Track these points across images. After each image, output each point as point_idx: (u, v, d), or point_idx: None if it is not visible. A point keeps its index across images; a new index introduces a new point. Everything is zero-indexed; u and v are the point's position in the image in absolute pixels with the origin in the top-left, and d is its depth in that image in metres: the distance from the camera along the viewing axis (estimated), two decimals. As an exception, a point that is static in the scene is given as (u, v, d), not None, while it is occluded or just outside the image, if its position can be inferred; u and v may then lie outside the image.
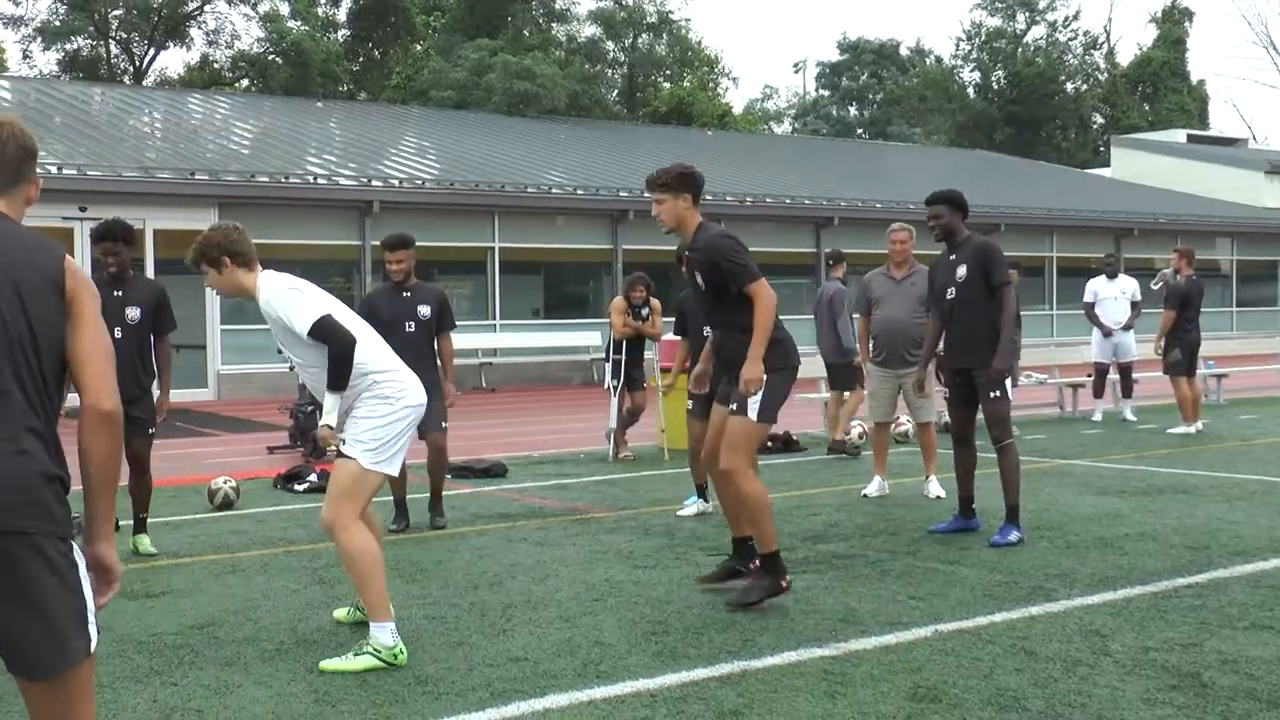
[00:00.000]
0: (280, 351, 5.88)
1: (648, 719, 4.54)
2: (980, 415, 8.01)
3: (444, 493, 8.93)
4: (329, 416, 5.53)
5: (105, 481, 2.91)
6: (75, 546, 2.87)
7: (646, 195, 6.52)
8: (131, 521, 7.95)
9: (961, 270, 7.91)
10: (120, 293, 7.68)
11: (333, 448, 5.66)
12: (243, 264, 5.68)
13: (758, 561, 6.40)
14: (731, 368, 6.34)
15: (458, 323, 9.59)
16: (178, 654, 5.52)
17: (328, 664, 5.29)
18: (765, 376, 6.16)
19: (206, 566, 7.49)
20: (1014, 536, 7.73)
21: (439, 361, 8.71)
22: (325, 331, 5.47)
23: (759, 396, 6.18)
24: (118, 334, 7.49)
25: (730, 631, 5.75)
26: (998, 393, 7.84)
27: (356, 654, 5.30)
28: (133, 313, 7.73)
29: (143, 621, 6.10)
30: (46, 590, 2.77)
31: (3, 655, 2.81)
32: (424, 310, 8.57)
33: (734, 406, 6.27)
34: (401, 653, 5.31)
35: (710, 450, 6.61)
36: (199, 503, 9.82)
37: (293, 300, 5.54)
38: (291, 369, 10.78)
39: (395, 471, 5.76)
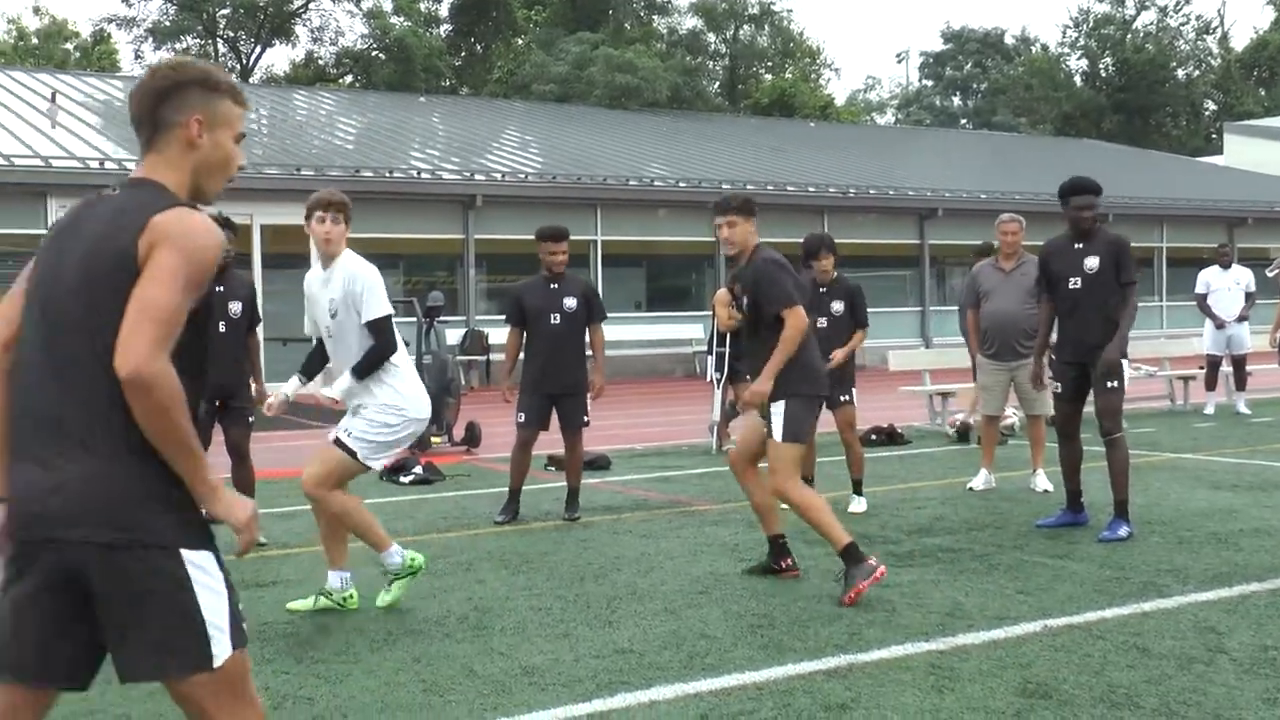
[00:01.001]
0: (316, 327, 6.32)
1: (754, 712, 4.54)
2: (1090, 408, 7.88)
3: (552, 485, 9.03)
4: (335, 391, 6.15)
5: (166, 446, 2.67)
6: (188, 557, 2.74)
7: (716, 220, 6.85)
8: None
9: (1092, 261, 7.72)
10: (222, 288, 7.78)
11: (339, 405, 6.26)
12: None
13: (787, 561, 6.76)
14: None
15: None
16: (288, 643, 5.63)
17: (382, 601, 6.21)
18: (783, 399, 6.41)
19: (315, 557, 7.57)
20: (1123, 532, 7.60)
21: (590, 353, 8.91)
22: (384, 328, 6.05)
23: (781, 419, 6.40)
24: (221, 328, 7.72)
25: (836, 625, 5.72)
26: (1114, 383, 7.68)
27: (390, 584, 6.24)
28: (234, 307, 7.88)
29: (254, 611, 6.21)
30: (142, 600, 2.69)
31: (115, 659, 2.76)
32: (570, 302, 8.70)
33: (766, 428, 6.54)
34: (416, 559, 6.21)
35: (738, 454, 6.97)
36: (299, 494, 9.97)
37: (378, 287, 6.08)
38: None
39: (379, 467, 6.57)
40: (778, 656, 5.21)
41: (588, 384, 8.83)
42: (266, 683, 5.00)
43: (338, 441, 6.10)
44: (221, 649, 2.75)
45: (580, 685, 4.91)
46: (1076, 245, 7.82)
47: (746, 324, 6.75)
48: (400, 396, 6.10)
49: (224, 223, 7.93)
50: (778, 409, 6.42)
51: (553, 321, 8.62)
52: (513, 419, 8.80)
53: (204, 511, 2.77)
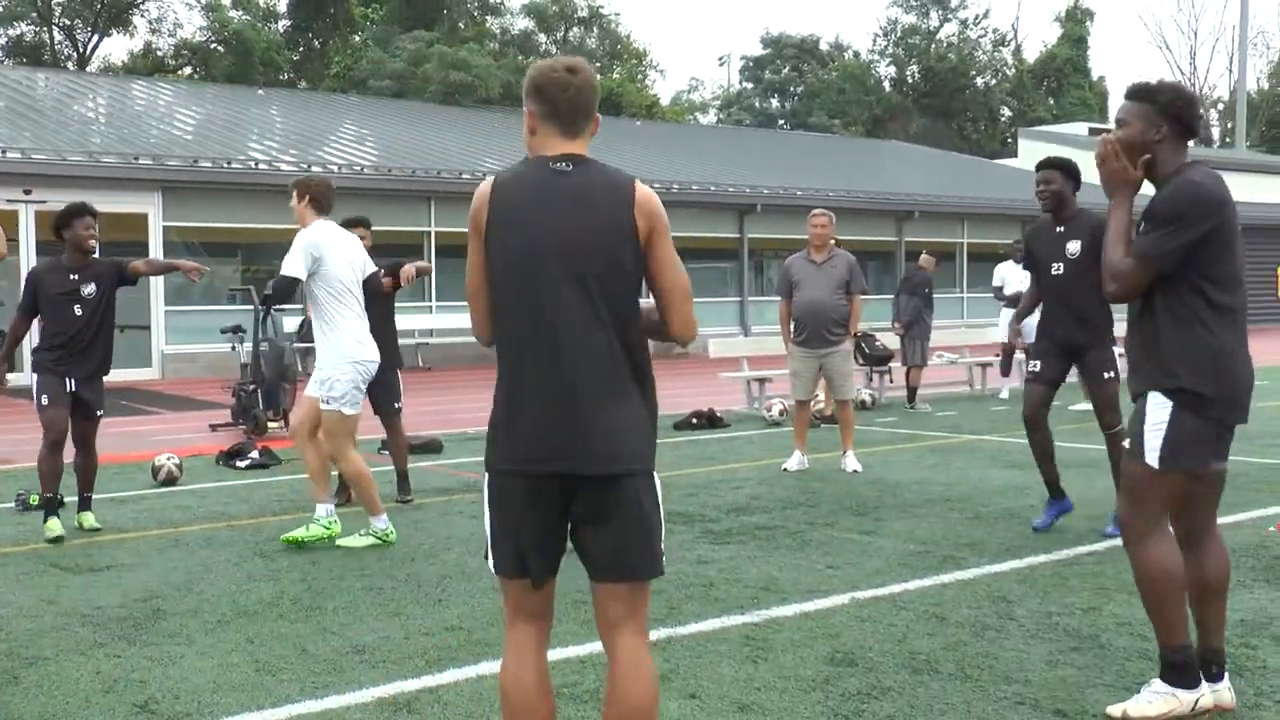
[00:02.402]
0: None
1: (577, 684, 4.71)
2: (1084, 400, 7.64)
3: (387, 468, 9.15)
4: None
5: None
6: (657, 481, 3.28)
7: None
8: (76, 499, 8.03)
9: (1073, 246, 7.25)
10: (76, 275, 7.76)
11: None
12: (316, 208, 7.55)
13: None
14: None
15: (400, 304, 9.79)
16: (121, 626, 5.63)
17: (346, 542, 7.32)
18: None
19: (150, 541, 7.61)
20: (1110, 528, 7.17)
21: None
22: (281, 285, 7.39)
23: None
24: (77, 311, 7.71)
25: (655, 600, 5.89)
26: (1111, 374, 7.33)
27: (362, 534, 7.36)
28: (88, 289, 7.75)
29: (86, 595, 6.23)
30: (647, 512, 3.22)
31: (597, 562, 3.24)
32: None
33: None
34: (393, 534, 7.39)
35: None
36: (143, 479, 9.93)
37: (294, 250, 7.37)
38: (233, 349, 10.95)
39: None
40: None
41: (398, 364, 8.99)
42: (99, 667, 5.03)
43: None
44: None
45: (410, 662, 5.02)
46: (1058, 229, 7.37)
47: None
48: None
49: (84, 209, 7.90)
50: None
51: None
52: None
53: None
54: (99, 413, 7.91)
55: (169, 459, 9.90)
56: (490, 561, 3.35)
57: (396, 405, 8.93)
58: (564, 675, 4.81)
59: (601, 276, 3.17)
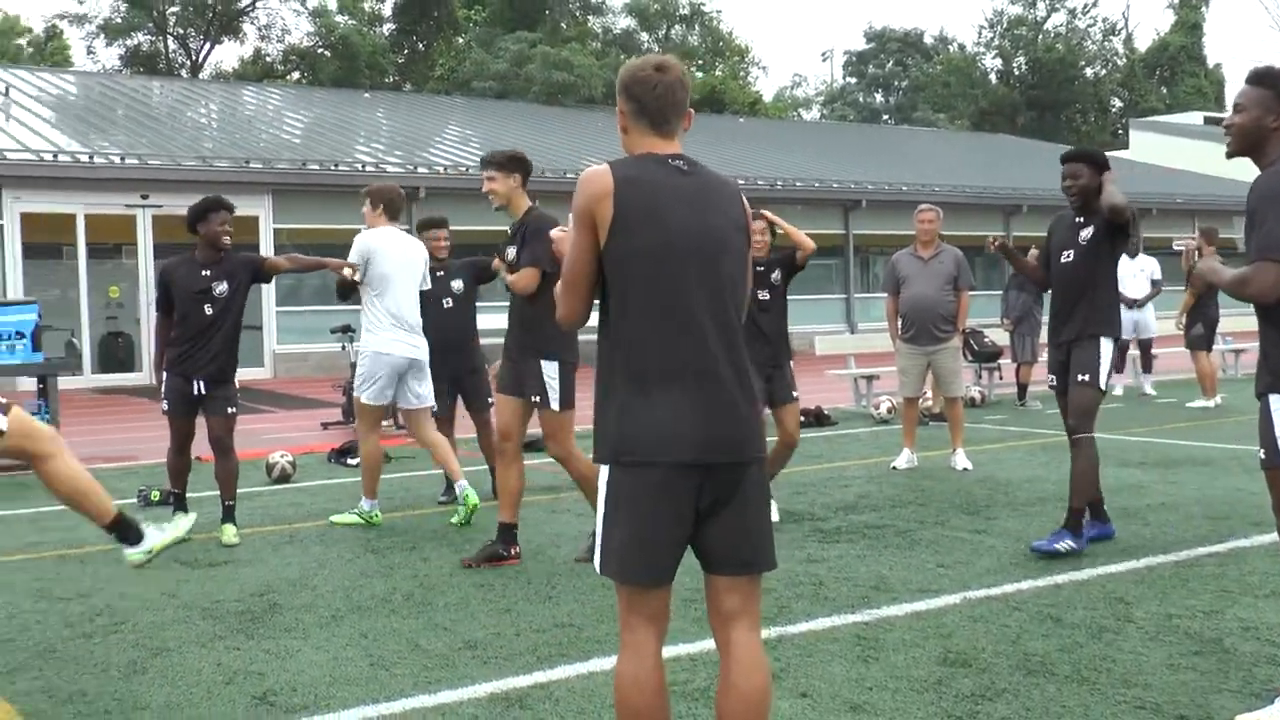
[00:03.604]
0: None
1: (688, 682, 4.71)
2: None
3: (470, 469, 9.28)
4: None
5: None
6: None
7: (479, 172, 7.11)
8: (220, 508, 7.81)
9: (1086, 233, 6.87)
10: (208, 271, 7.59)
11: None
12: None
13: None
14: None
15: (487, 303, 9.93)
16: (239, 620, 5.76)
17: (337, 518, 8.07)
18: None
19: (265, 537, 7.76)
20: (1063, 545, 6.70)
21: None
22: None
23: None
24: (207, 310, 7.51)
25: (765, 599, 5.88)
26: (1086, 376, 6.83)
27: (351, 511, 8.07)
28: (220, 288, 7.57)
29: (205, 589, 6.38)
30: (765, 505, 3.34)
31: (721, 554, 3.28)
32: (457, 285, 8.98)
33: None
34: (377, 516, 8.07)
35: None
36: (257, 476, 10.12)
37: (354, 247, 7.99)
38: (343, 348, 11.18)
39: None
40: (710, 629, 5.39)
41: (484, 363, 9.08)
42: (219, 659, 5.14)
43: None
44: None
45: (521, 658, 5.06)
46: (1078, 219, 6.98)
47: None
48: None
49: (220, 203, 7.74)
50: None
51: (445, 306, 8.82)
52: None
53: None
54: (230, 410, 7.63)
55: (282, 456, 10.09)
56: (605, 564, 3.27)
57: (490, 402, 8.98)
58: (674, 673, 4.80)
59: (730, 272, 3.30)
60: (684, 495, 3.19)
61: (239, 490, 7.83)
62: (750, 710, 3.26)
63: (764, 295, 7.86)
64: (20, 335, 11.23)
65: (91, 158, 20.57)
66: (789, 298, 8.24)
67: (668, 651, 4.96)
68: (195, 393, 7.56)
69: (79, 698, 4.72)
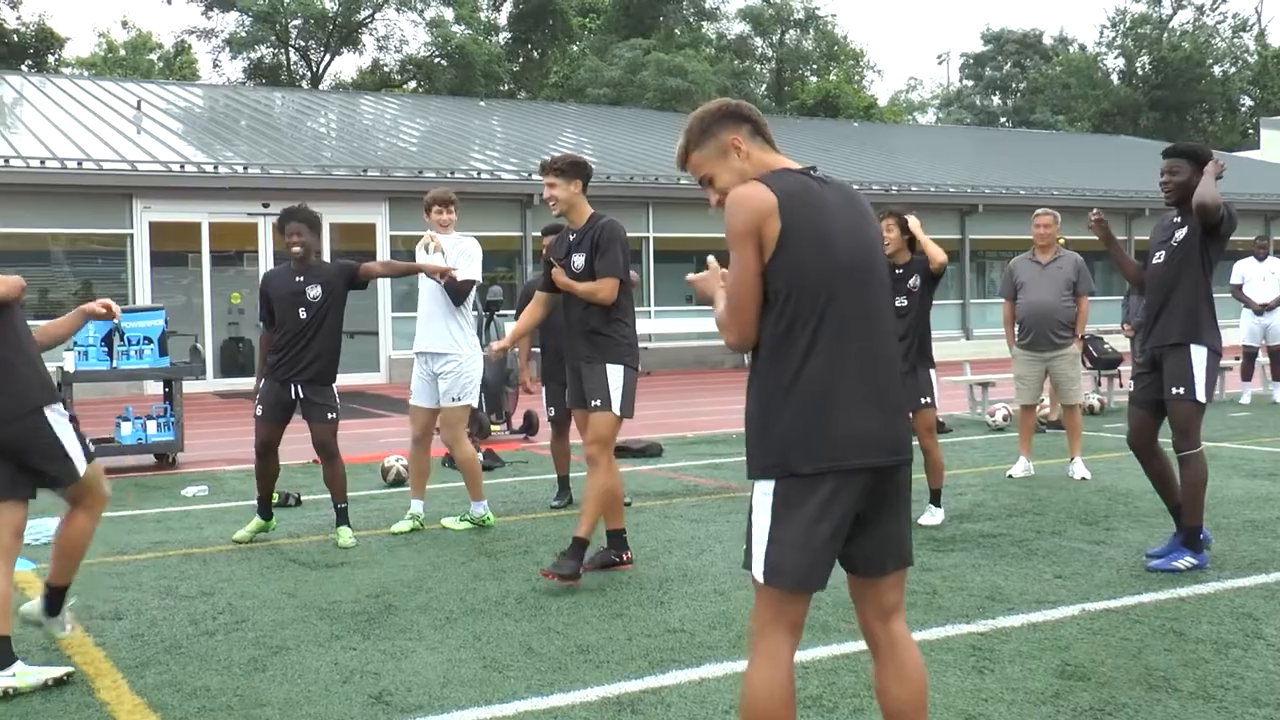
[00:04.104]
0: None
1: (800, 690, 4.64)
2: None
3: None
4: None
5: None
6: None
7: (539, 178, 6.93)
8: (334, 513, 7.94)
9: (1181, 233, 6.57)
10: (301, 277, 7.73)
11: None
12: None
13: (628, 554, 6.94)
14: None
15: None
16: (355, 620, 5.85)
17: (449, 522, 8.17)
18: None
19: (380, 539, 7.88)
20: (1182, 563, 6.49)
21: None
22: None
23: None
24: (302, 314, 7.64)
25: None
26: (1182, 389, 6.47)
27: (462, 519, 8.15)
28: (314, 292, 7.69)
29: (323, 589, 6.50)
30: (910, 502, 3.47)
31: (884, 552, 3.39)
32: None
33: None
34: (490, 519, 8.18)
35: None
36: (373, 479, 10.31)
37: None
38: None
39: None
40: (823, 637, 5.35)
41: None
42: (336, 658, 5.23)
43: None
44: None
45: (633, 663, 5.08)
46: (1175, 219, 6.69)
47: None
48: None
49: (304, 213, 7.85)
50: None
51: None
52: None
53: None
54: (330, 415, 7.72)
55: (397, 460, 10.24)
56: (773, 573, 3.28)
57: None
58: (786, 681, 4.79)
59: (881, 279, 3.41)
60: (851, 501, 3.27)
61: (353, 493, 7.96)
62: (920, 699, 3.41)
63: (901, 301, 7.78)
64: (148, 340, 11.55)
65: (216, 168, 21.13)
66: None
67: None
68: (293, 397, 7.68)
69: (203, 693, 4.84)
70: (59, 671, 5.00)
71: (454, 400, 8.12)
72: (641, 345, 25.64)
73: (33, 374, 5.10)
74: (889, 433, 3.30)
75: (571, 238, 6.84)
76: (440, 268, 7.90)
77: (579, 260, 6.70)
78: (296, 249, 7.72)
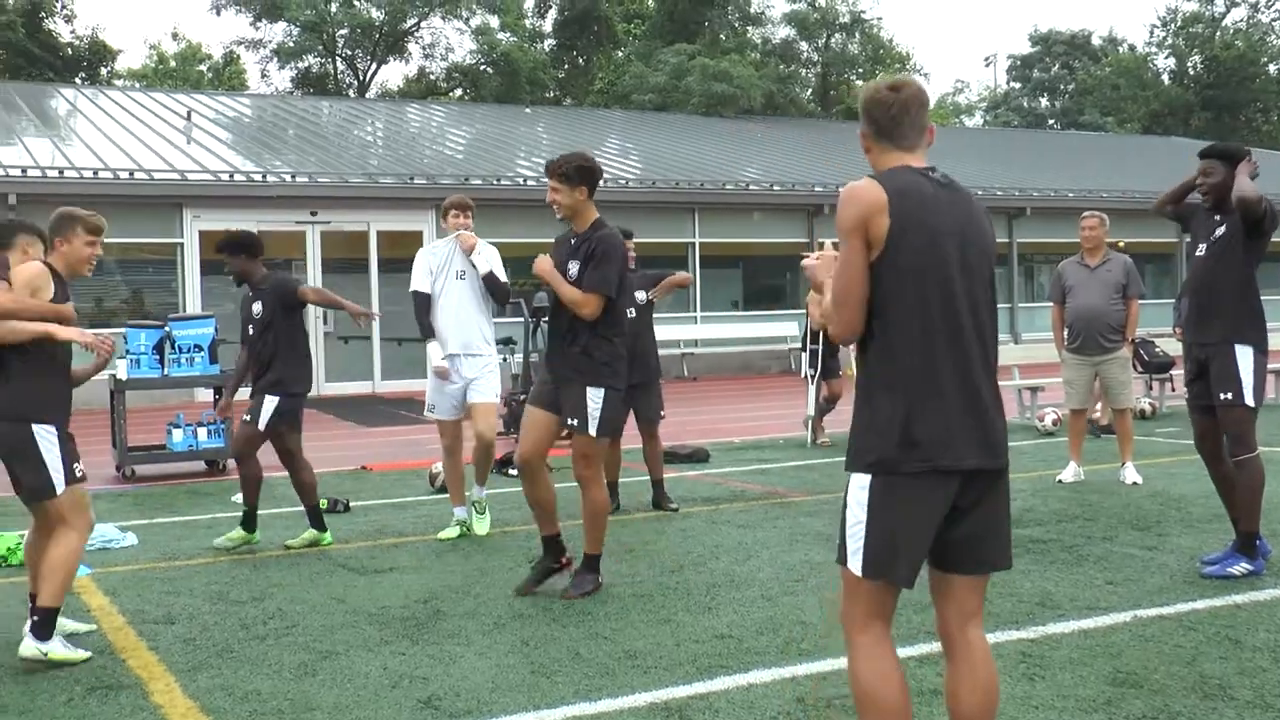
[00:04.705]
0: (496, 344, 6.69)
1: (848, 696, 4.61)
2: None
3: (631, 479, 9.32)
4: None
5: None
6: None
7: (544, 181, 6.67)
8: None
9: (1221, 229, 6.45)
10: (251, 294, 8.07)
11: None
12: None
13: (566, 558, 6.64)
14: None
15: (663, 315, 10.04)
16: (404, 625, 5.88)
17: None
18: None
19: (428, 545, 7.92)
20: (1238, 568, 6.40)
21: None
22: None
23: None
24: (250, 330, 8.01)
25: (926, 612, 5.75)
26: (1230, 395, 6.38)
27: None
28: (256, 308, 8.01)
29: (372, 595, 6.54)
30: (1009, 506, 3.51)
31: (976, 554, 3.44)
32: (641, 295, 9.11)
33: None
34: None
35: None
36: (421, 485, 10.38)
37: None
38: (504, 360, 11.39)
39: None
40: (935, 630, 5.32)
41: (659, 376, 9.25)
42: (385, 663, 5.27)
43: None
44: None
45: (681, 669, 5.07)
46: (1215, 217, 6.54)
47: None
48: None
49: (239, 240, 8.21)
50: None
51: (628, 315, 8.78)
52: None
53: None
54: (246, 418, 7.98)
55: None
56: (871, 566, 3.35)
57: (661, 415, 9.14)
58: (836, 687, 4.78)
59: (987, 284, 3.47)
60: (945, 499, 3.33)
61: (401, 499, 7.99)
62: (990, 707, 3.45)
63: None
64: (199, 348, 11.67)
65: (265, 177, 21.32)
66: None
67: (829, 665, 5.00)
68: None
69: (254, 696, 4.88)
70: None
71: (495, 397, 8.25)
72: (688, 350, 25.60)
73: (27, 387, 5.51)
74: (987, 435, 3.34)
75: (572, 242, 6.57)
76: (364, 311, 8.28)
77: (573, 269, 6.41)
78: (232, 275, 8.18)
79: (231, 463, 11.80)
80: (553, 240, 6.76)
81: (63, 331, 5.50)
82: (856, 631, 3.41)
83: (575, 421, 6.38)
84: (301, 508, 8.09)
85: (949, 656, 3.50)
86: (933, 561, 3.45)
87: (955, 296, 3.33)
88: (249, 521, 8.01)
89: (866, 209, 3.30)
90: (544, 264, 6.49)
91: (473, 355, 8.13)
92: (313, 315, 20.86)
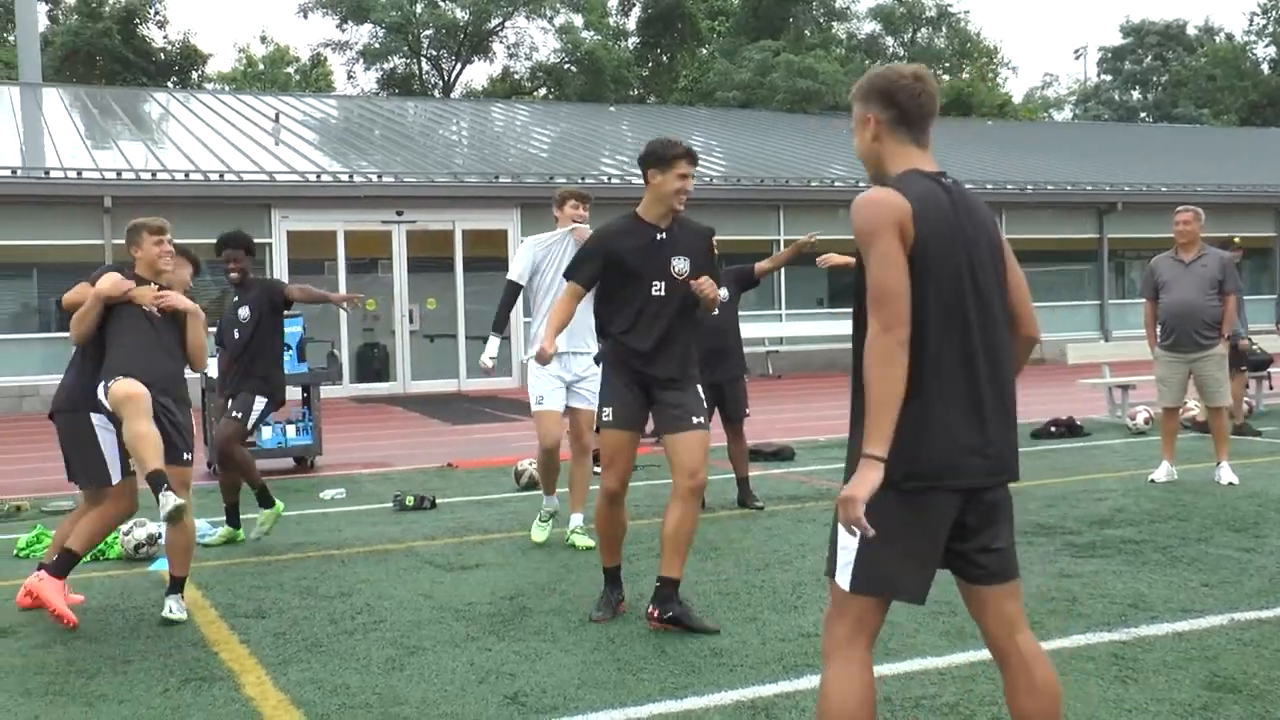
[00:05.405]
0: None
1: (936, 696, 4.62)
2: None
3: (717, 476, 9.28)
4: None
5: None
6: None
7: (630, 180, 6.47)
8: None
9: None
10: (238, 298, 8.27)
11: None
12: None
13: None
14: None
15: (747, 312, 10.03)
16: (490, 622, 5.92)
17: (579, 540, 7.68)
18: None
19: (515, 542, 7.97)
20: None
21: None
22: None
23: None
24: (236, 335, 8.17)
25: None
26: None
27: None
28: (244, 312, 8.19)
29: (458, 591, 6.59)
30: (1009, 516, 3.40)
31: (994, 565, 3.35)
32: (722, 292, 8.99)
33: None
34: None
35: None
36: (506, 483, 10.44)
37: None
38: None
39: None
40: (959, 643, 5.28)
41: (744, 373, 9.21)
42: (472, 659, 5.30)
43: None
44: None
45: (767, 667, 5.06)
46: None
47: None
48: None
49: (241, 238, 8.44)
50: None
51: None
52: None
53: None
54: (235, 416, 8.10)
55: (530, 464, 10.32)
56: (872, 583, 3.26)
57: (746, 413, 9.12)
58: (923, 687, 4.75)
59: (997, 296, 3.33)
60: (946, 516, 3.25)
61: (486, 496, 8.02)
62: (1054, 711, 3.33)
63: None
64: (287, 347, 11.82)
65: (351, 177, 21.59)
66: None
67: (916, 665, 4.95)
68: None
69: (343, 690, 4.94)
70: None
71: (596, 402, 7.97)
72: (772, 348, 25.57)
73: (77, 382, 6.23)
74: (993, 449, 3.24)
75: (660, 238, 5.91)
76: (349, 297, 8.48)
77: (682, 264, 5.89)
78: (234, 274, 8.31)
79: (319, 459, 12.00)
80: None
81: (102, 285, 6.11)
82: (837, 646, 3.31)
83: (699, 419, 5.88)
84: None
85: (1002, 665, 3.41)
86: (959, 577, 3.38)
87: (967, 310, 3.22)
88: (233, 516, 8.25)
89: (898, 213, 3.16)
90: (710, 290, 5.84)
91: (580, 354, 8.04)
92: (397, 316, 21.15)
